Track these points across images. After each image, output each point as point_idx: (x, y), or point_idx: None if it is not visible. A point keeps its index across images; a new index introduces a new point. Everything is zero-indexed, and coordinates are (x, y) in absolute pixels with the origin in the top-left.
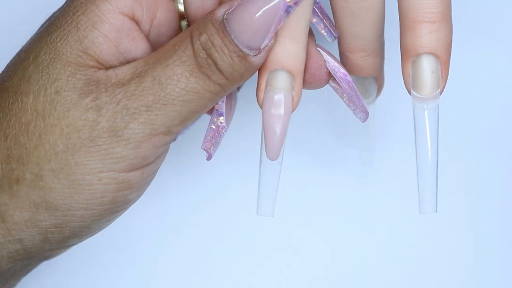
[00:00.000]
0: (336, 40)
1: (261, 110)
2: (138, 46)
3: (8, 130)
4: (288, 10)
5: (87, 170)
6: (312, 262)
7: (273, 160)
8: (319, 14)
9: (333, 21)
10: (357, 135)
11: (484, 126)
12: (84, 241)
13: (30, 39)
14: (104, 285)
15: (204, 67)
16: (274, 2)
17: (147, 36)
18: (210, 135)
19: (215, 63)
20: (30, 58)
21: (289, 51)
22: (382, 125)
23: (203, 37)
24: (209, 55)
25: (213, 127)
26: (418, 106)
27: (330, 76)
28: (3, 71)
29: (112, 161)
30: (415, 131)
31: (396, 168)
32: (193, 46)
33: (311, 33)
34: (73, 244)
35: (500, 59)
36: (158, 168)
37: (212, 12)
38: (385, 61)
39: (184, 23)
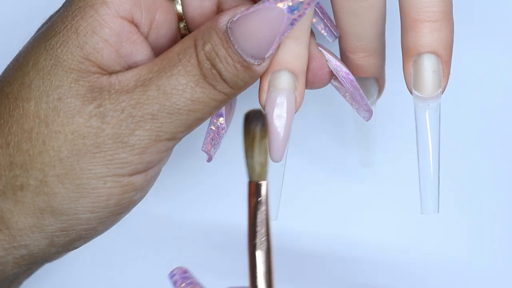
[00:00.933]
0: (337, 41)
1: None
2: (138, 50)
3: (10, 137)
4: (292, 22)
5: (92, 174)
6: (314, 263)
7: (277, 161)
8: (320, 14)
9: (334, 21)
10: (357, 136)
11: (486, 125)
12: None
13: (27, 44)
14: (104, 286)
15: (209, 77)
16: (278, 14)
17: (146, 39)
18: (210, 136)
19: (220, 73)
20: (29, 64)
21: (291, 51)
22: (383, 125)
23: (207, 47)
24: (214, 65)
25: (213, 128)
26: (419, 106)
27: (332, 76)
28: (1, 76)
29: (117, 166)
30: (416, 131)
31: (398, 168)
32: (197, 56)
33: (311, 33)
34: (79, 246)
35: (502, 58)
36: (161, 169)
37: (216, 19)
38: (386, 61)
39: (182, 25)
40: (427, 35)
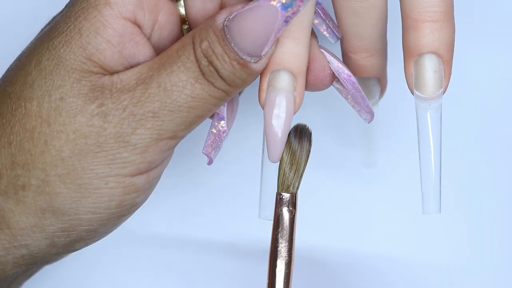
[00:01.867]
0: (339, 41)
1: (262, 111)
2: (141, 50)
3: (12, 137)
4: (287, 20)
5: (94, 174)
6: (315, 264)
7: (275, 162)
8: (322, 15)
9: (336, 22)
10: (359, 136)
11: (487, 125)
12: None
13: (30, 44)
14: (104, 286)
15: (207, 74)
16: (272, 11)
17: (149, 40)
18: (211, 139)
19: (217, 71)
20: (32, 64)
21: (291, 51)
22: (385, 126)
23: (204, 45)
24: (211, 63)
25: (214, 131)
26: (421, 106)
27: (333, 77)
28: (3, 76)
29: (119, 166)
30: (418, 131)
31: (399, 168)
32: (195, 53)
33: (313, 35)
34: (79, 248)
35: (502, 58)
36: (163, 171)
37: (213, 18)
38: (388, 62)
39: (185, 27)
40: (428, 35)
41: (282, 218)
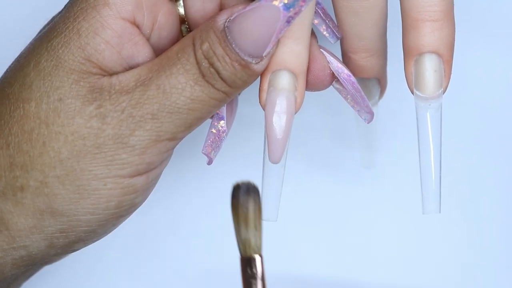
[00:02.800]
0: (339, 41)
1: (263, 111)
2: (140, 51)
3: (10, 138)
4: (289, 20)
5: (93, 175)
6: (316, 264)
7: (276, 163)
8: (322, 15)
9: (335, 22)
10: (359, 137)
11: (487, 125)
12: None
13: (29, 45)
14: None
15: (207, 76)
16: (274, 11)
17: (148, 40)
18: (211, 139)
19: (218, 72)
20: (30, 65)
21: (291, 51)
22: (385, 126)
23: (205, 46)
24: (211, 64)
25: (214, 131)
26: (421, 106)
27: (333, 78)
28: (2, 77)
29: (118, 167)
30: (418, 131)
31: (399, 168)
32: (195, 55)
33: (313, 34)
34: (78, 249)
35: (503, 58)
36: (162, 172)
37: (213, 19)
38: (388, 62)
39: (184, 27)
40: (428, 34)
41: (251, 285)
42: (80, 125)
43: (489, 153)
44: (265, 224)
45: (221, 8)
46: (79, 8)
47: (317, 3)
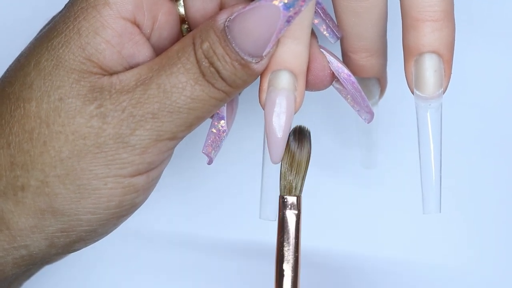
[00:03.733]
0: (339, 41)
1: (263, 111)
2: (141, 51)
3: (11, 137)
4: (289, 20)
5: (93, 175)
6: (315, 263)
7: (276, 163)
8: (322, 14)
9: (335, 22)
10: (359, 137)
11: (487, 125)
12: None
13: (29, 44)
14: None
15: (207, 75)
16: (274, 11)
17: (148, 40)
18: (211, 139)
19: (218, 72)
20: (31, 64)
21: (291, 51)
22: (385, 126)
23: (205, 46)
24: (211, 64)
25: (214, 131)
26: (421, 106)
27: (333, 77)
28: (2, 77)
29: (118, 167)
30: (418, 131)
31: (399, 168)
32: (195, 54)
33: (313, 34)
34: (79, 249)
35: (503, 58)
36: (162, 171)
37: (213, 18)
38: (387, 61)
39: (184, 27)
40: (429, 34)
41: (286, 222)
42: (81, 124)
43: (489, 153)
44: (265, 224)
45: (221, 7)
46: (79, 8)
47: (317, 3)
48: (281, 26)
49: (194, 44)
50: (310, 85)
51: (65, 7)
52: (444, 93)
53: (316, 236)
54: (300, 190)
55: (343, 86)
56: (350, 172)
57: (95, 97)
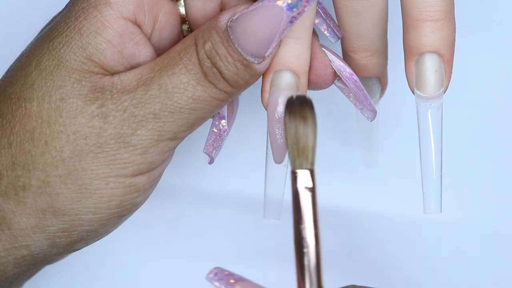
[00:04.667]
0: (339, 41)
1: (263, 109)
2: (141, 50)
3: (12, 137)
4: (292, 20)
5: (94, 175)
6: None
7: (280, 163)
8: (322, 14)
9: (336, 21)
10: (360, 136)
11: (488, 125)
12: None
13: (30, 44)
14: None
15: (209, 75)
16: (278, 12)
17: (149, 40)
18: (212, 138)
19: (220, 72)
20: (32, 64)
21: (293, 51)
22: (386, 125)
23: (208, 46)
24: (214, 64)
25: (215, 130)
26: (421, 105)
27: (335, 76)
28: (3, 77)
29: (120, 166)
30: (418, 130)
31: (400, 168)
32: (198, 54)
33: (314, 34)
34: (80, 248)
35: (503, 57)
36: (163, 171)
37: (216, 19)
38: (388, 61)
39: (185, 27)
40: (429, 34)
41: (299, 199)
42: (82, 124)
43: (489, 152)
44: (268, 224)
45: (222, 8)
46: (80, 8)
47: (318, 3)
48: (284, 27)
49: (196, 44)
50: (312, 85)
51: (66, 7)
52: (444, 92)
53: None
54: (312, 163)
55: (346, 85)
56: (351, 171)
57: (97, 97)
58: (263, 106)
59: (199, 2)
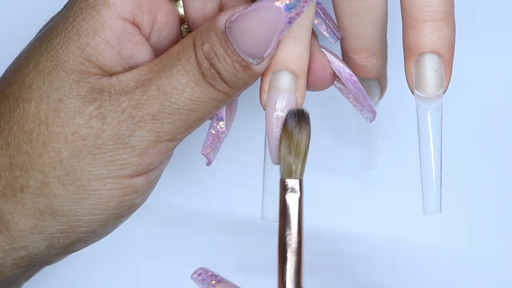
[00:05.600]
0: (339, 41)
1: (263, 111)
2: (140, 51)
3: (10, 138)
4: (290, 21)
5: (93, 176)
6: (315, 263)
7: (278, 163)
8: (322, 15)
9: (335, 22)
10: (359, 137)
11: (488, 125)
12: None
13: (28, 45)
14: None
15: (208, 76)
16: (276, 12)
17: (147, 40)
18: (210, 140)
19: (219, 73)
20: (30, 65)
21: (292, 51)
22: (385, 126)
23: (206, 47)
24: (212, 65)
25: (213, 132)
26: (421, 106)
27: (335, 77)
28: (1, 77)
29: (118, 167)
30: (418, 131)
31: (400, 168)
32: (196, 55)
33: (313, 34)
34: (79, 249)
35: (503, 58)
36: (162, 172)
37: (214, 20)
38: (387, 62)
39: (184, 27)
40: (429, 34)
41: (287, 206)
42: (80, 125)
43: (489, 152)
44: (266, 225)
45: (221, 8)
46: (78, 8)
47: (317, 3)
48: (282, 27)
49: (194, 45)
50: (311, 85)
51: (64, 7)
52: (444, 93)
53: (316, 235)
54: (301, 173)
55: (345, 86)
56: (350, 172)
57: (95, 98)
58: (262, 106)
59: (198, 2)
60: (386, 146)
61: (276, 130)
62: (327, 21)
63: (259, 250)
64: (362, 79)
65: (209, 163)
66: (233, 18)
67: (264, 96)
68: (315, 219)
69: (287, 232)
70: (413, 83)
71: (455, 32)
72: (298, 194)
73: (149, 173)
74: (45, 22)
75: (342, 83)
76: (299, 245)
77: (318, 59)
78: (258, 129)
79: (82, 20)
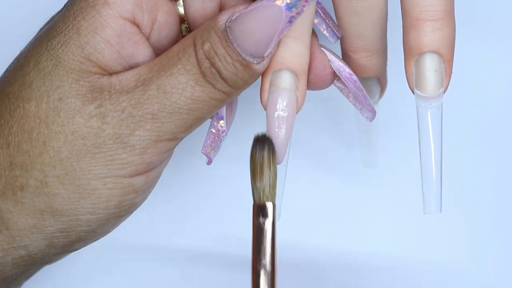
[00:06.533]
0: (339, 41)
1: (262, 110)
2: (140, 50)
3: (10, 137)
4: (291, 20)
5: (92, 175)
6: (315, 263)
7: (279, 163)
8: (322, 14)
9: (336, 21)
10: (359, 136)
11: (488, 125)
12: None
13: (29, 44)
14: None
15: (208, 76)
16: (276, 11)
17: (148, 39)
18: (210, 139)
19: (219, 72)
20: (30, 64)
21: (292, 51)
22: (385, 125)
23: (206, 46)
24: (213, 64)
25: (213, 131)
26: (421, 105)
27: (335, 76)
28: (2, 77)
29: (117, 167)
30: (418, 130)
31: (400, 168)
32: (196, 55)
33: (313, 34)
34: (78, 248)
35: (504, 57)
36: (162, 172)
37: (214, 19)
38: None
39: (184, 26)
40: (429, 34)
41: (260, 231)
42: (80, 124)
43: (489, 152)
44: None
45: (221, 8)
46: (78, 7)
47: (317, 3)
48: (283, 27)
49: (195, 45)
50: (311, 85)
51: (64, 6)
52: (444, 92)
53: (316, 235)
54: (272, 197)
55: (345, 85)
56: (350, 172)
57: (95, 97)
58: (262, 106)
59: (198, 2)
60: (386, 145)
61: (278, 129)
62: (327, 21)
63: None
64: (362, 79)
65: (209, 162)
66: (233, 17)
67: (265, 95)
68: (314, 218)
69: (261, 256)
70: (413, 82)
71: (455, 32)
72: (270, 219)
73: (149, 173)
74: (45, 21)
75: (342, 82)
76: (273, 266)
77: (318, 58)
78: (258, 128)
79: (82, 19)
